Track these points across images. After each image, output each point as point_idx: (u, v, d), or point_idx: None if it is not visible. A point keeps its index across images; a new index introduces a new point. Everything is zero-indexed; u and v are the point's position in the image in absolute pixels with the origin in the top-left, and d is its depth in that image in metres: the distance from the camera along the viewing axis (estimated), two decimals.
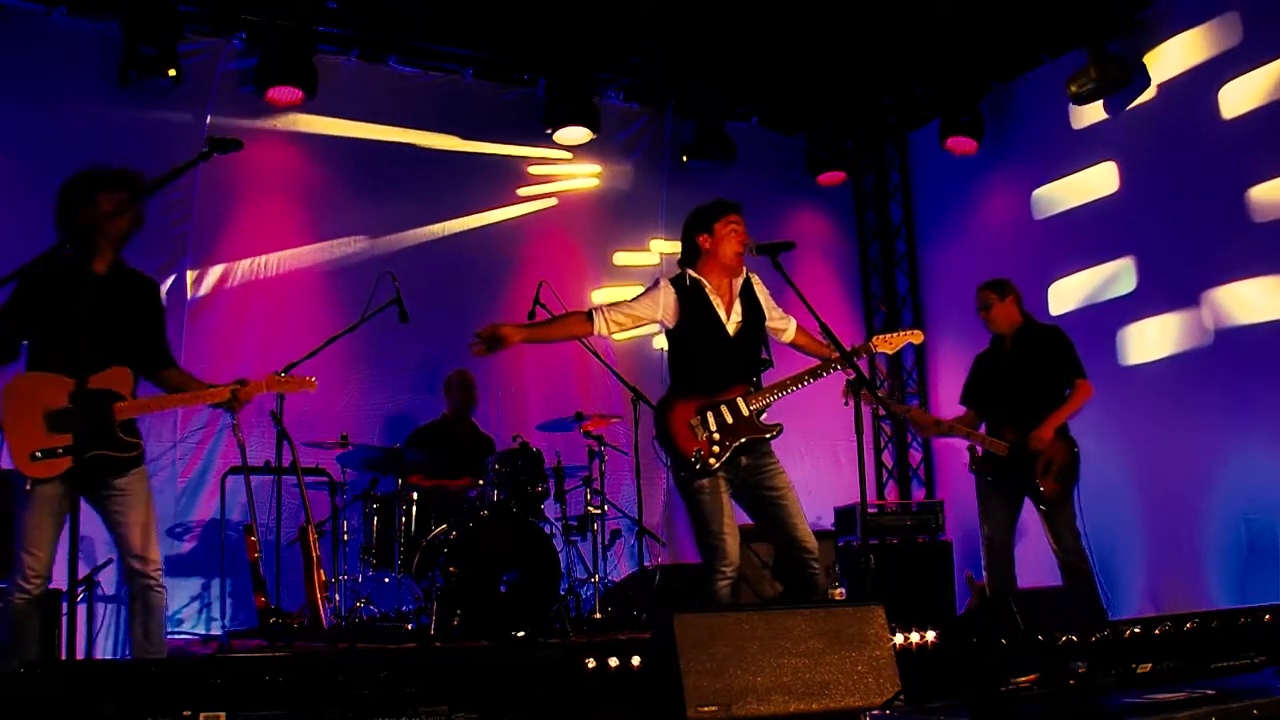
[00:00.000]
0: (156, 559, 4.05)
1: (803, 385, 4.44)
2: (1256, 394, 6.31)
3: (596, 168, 8.19)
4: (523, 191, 7.94)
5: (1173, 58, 6.93)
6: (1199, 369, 6.69)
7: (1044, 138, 7.81)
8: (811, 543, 4.30)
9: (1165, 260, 6.92)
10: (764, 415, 4.41)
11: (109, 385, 3.97)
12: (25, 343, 4.01)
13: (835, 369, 4.42)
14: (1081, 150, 7.49)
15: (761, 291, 4.62)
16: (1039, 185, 7.84)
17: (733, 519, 4.29)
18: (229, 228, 6.97)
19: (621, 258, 8.21)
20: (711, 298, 4.47)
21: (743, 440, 4.33)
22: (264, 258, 7.05)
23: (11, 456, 3.87)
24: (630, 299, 4.57)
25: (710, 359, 4.42)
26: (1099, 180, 7.37)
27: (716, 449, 4.30)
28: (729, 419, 4.33)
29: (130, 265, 4.20)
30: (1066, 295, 7.60)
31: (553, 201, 8.05)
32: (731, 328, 4.47)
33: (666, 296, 4.47)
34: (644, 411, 6.68)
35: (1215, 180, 6.58)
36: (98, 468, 3.94)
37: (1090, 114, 7.43)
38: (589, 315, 4.48)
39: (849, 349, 4.40)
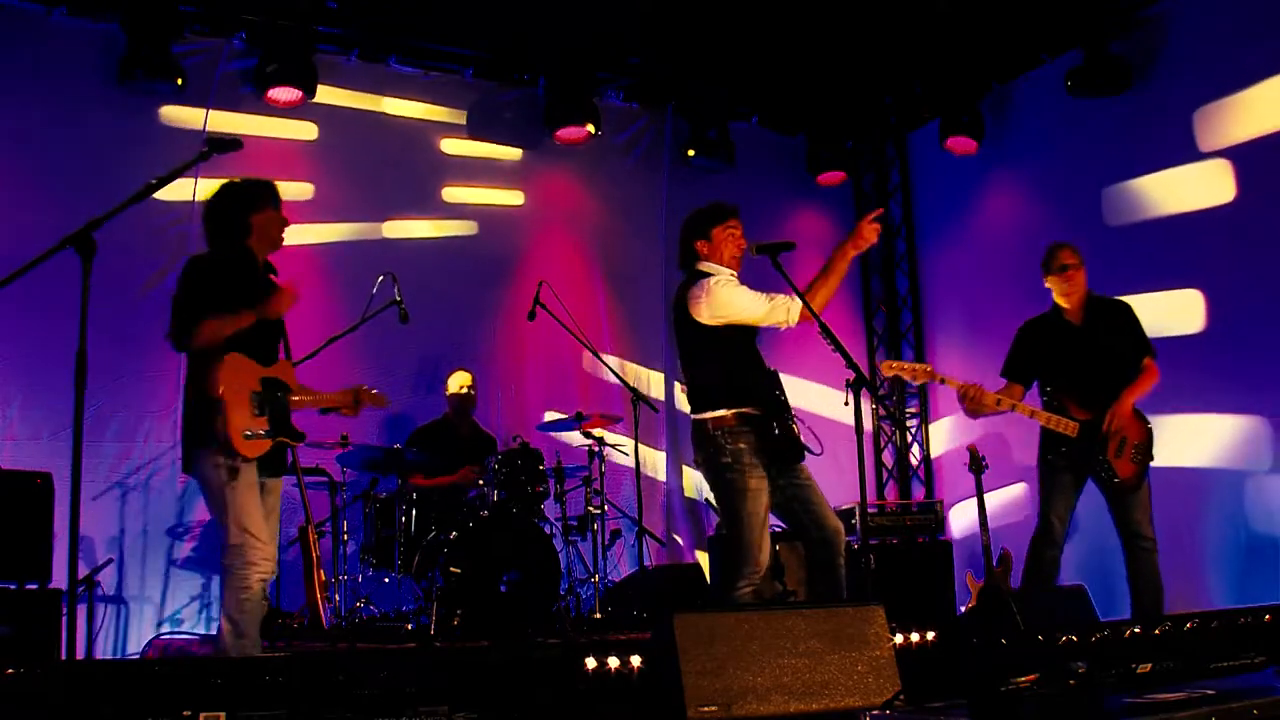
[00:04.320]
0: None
1: None
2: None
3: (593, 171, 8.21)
4: (523, 191, 7.95)
5: None
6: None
7: (1044, 138, 7.81)
8: (839, 526, 4.28)
9: None
10: None
11: (281, 376, 4.10)
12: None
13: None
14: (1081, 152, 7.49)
15: None
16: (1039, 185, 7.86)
17: (768, 526, 4.28)
18: None
19: None
20: None
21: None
22: None
23: (228, 431, 3.82)
24: (751, 292, 4.34)
25: (755, 366, 4.35)
26: None
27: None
28: (793, 430, 4.30)
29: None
30: None
31: (553, 201, 8.05)
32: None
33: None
34: (644, 412, 6.68)
35: None
36: (277, 457, 4.06)
37: None
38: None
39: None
